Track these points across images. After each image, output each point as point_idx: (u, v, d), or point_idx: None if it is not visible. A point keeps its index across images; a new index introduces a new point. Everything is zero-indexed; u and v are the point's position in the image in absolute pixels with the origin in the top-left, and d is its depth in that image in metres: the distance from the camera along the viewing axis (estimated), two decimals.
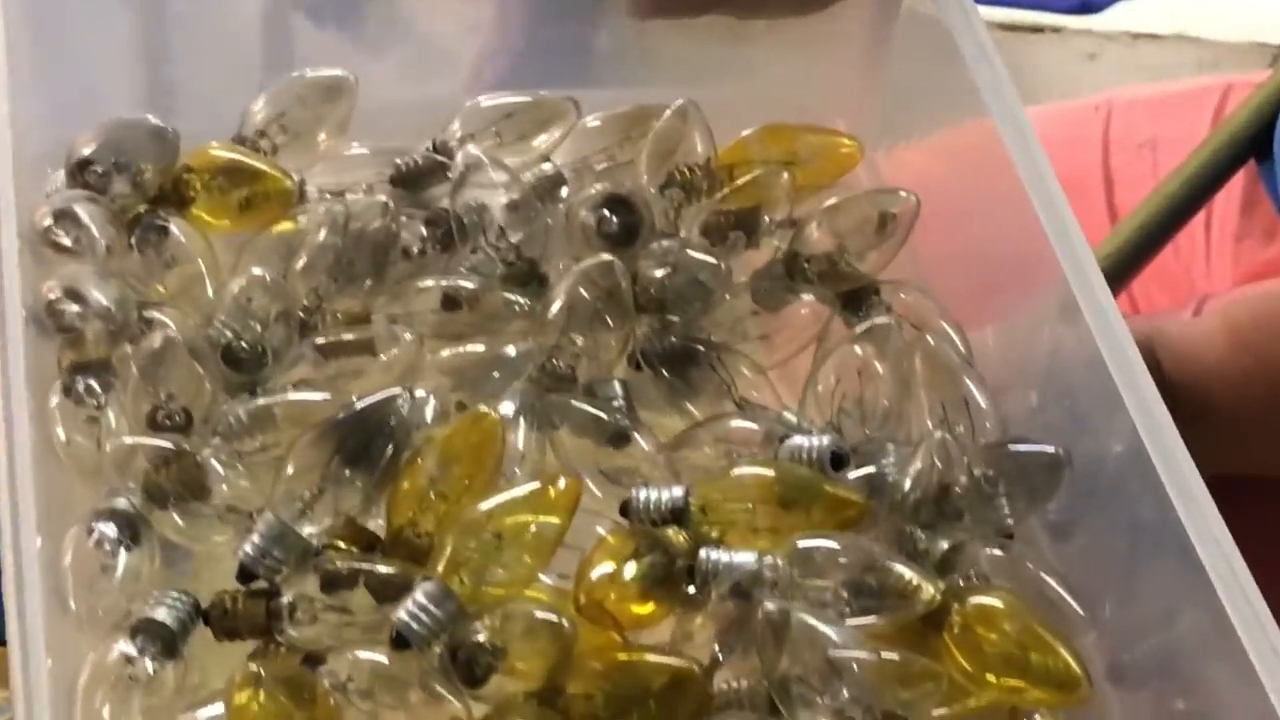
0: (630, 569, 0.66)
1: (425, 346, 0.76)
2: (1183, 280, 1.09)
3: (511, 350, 0.76)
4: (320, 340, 0.76)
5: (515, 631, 0.65)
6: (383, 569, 0.67)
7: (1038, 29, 2.05)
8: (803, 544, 0.67)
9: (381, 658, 0.65)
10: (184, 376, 0.73)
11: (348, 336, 0.76)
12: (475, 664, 0.65)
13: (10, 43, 0.78)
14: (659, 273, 0.78)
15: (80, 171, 0.79)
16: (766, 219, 0.83)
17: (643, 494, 0.70)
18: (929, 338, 0.77)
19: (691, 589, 0.68)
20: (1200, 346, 0.87)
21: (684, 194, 0.83)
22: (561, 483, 0.68)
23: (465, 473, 0.69)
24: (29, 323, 0.72)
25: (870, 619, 0.66)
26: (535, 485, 0.68)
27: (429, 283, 0.78)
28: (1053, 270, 0.75)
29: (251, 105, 0.83)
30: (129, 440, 0.70)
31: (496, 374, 0.76)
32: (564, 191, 0.83)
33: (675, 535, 0.68)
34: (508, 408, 0.73)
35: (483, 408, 0.70)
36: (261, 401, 0.73)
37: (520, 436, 0.73)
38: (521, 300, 0.78)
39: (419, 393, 0.72)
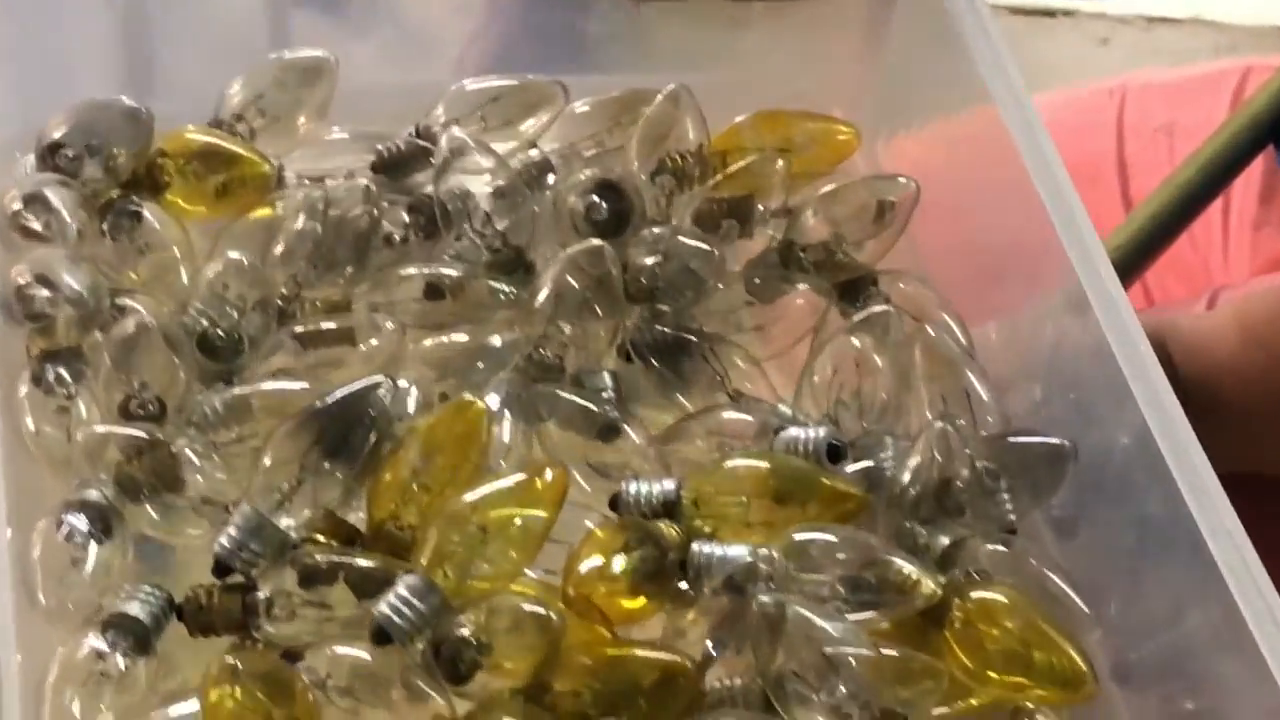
0: (620, 562, 0.66)
1: (408, 336, 0.76)
2: (1199, 270, 1.09)
3: (497, 340, 0.76)
4: (299, 329, 0.75)
5: (501, 626, 0.64)
6: (363, 563, 0.66)
7: (1049, 13, 2.05)
8: (799, 537, 0.67)
9: (362, 653, 0.65)
10: (157, 365, 0.72)
11: (327, 325, 0.76)
12: (459, 660, 0.64)
13: None
14: (650, 260, 0.78)
15: (51, 155, 0.79)
16: (761, 207, 0.82)
17: (633, 487, 0.70)
18: (929, 328, 0.77)
19: (683, 584, 0.67)
20: (1212, 341, 0.87)
21: (675, 181, 0.83)
22: (548, 474, 0.67)
23: (449, 464, 0.68)
24: None
25: (868, 614, 0.66)
26: (521, 477, 0.68)
27: (411, 271, 0.78)
28: (1059, 260, 0.74)
29: (228, 88, 0.83)
30: (101, 429, 0.70)
31: (481, 364, 0.75)
32: (551, 178, 0.83)
33: (667, 528, 0.68)
34: (493, 399, 0.73)
35: (467, 396, 0.70)
36: (238, 391, 0.73)
37: (506, 429, 0.73)
38: (507, 289, 0.78)
39: (401, 383, 0.72)
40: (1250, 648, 0.64)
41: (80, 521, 0.68)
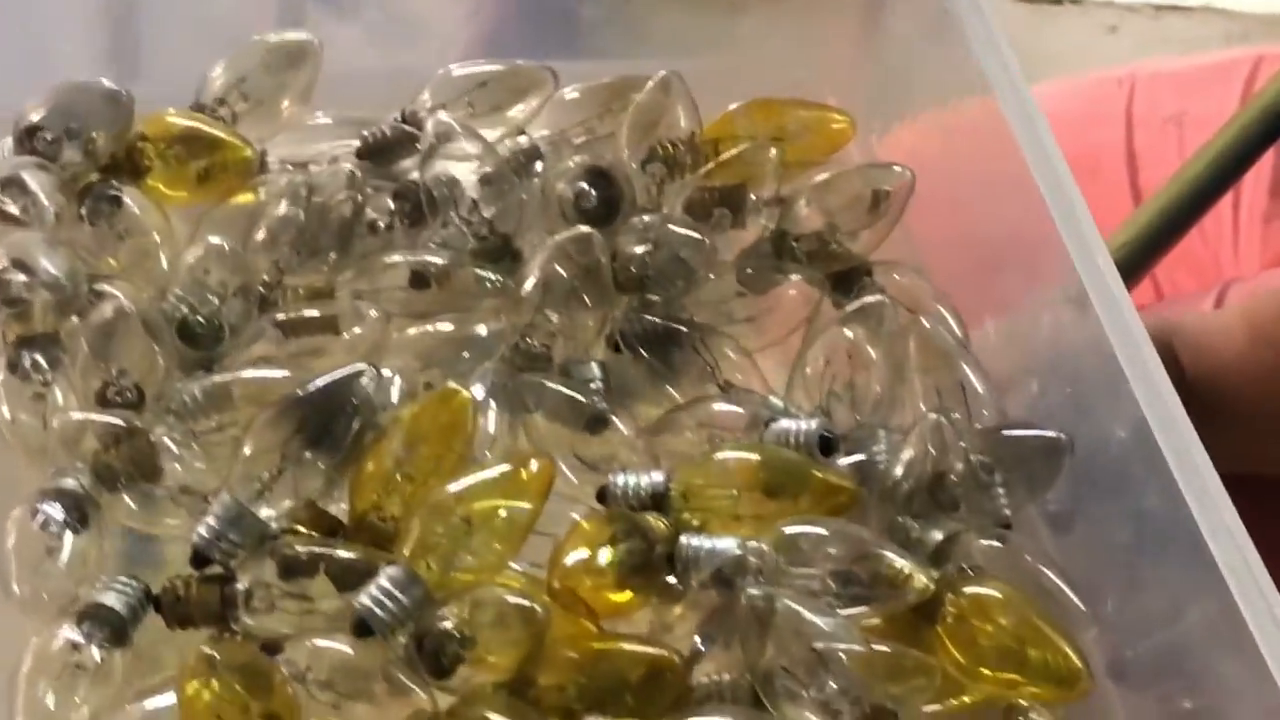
0: (607, 555, 0.66)
1: (392, 325, 0.76)
2: (1210, 265, 1.09)
3: (483, 329, 0.76)
4: (280, 316, 0.75)
5: (485, 619, 0.64)
6: (344, 554, 0.66)
7: (1056, 0, 2.04)
8: (789, 530, 0.67)
9: (343, 646, 0.65)
10: (136, 351, 0.72)
11: (310, 313, 0.76)
12: (442, 654, 0.64)
13: None
14: (639, 249, 0.78)
15: (29, 138, 0.79)
16: (753, 197, 0.82)
17: (621, 479, 0.70)
18: (924, 320, 0.77)
19: (671, 578, 0.67)
20: (1219, 341, 0.86)
21: (666, 170, 0.83)
22: (534, 465, 0.67)
23: (433, 453, 0.68)
24: None
25: (860, 609, 0.66)
26: (506, 468, 0.68)
27: (396, 258, 0.78)
28: (1058, 252, 0.74)
29: (210, 71, 0.83)
30: (78, 416, 0.70)
31: (466, 354, 0.75)
32: (539, 165, 0.83)
33: (655, 521, 0.68)
34: (478, 389, 0.73)
35: (452, 384, 0.70)
36: (218, 378, 0.73)
37: (491, 419, 0.73)
38: (494, 277, 0.78)
39: (385, 372, 0.72)
40: (1249, 646, 0.63)
41: (56, 510, 0.68)
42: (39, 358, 0.73)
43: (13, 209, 0.76)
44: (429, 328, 0.76)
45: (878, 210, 0.81)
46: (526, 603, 0.64)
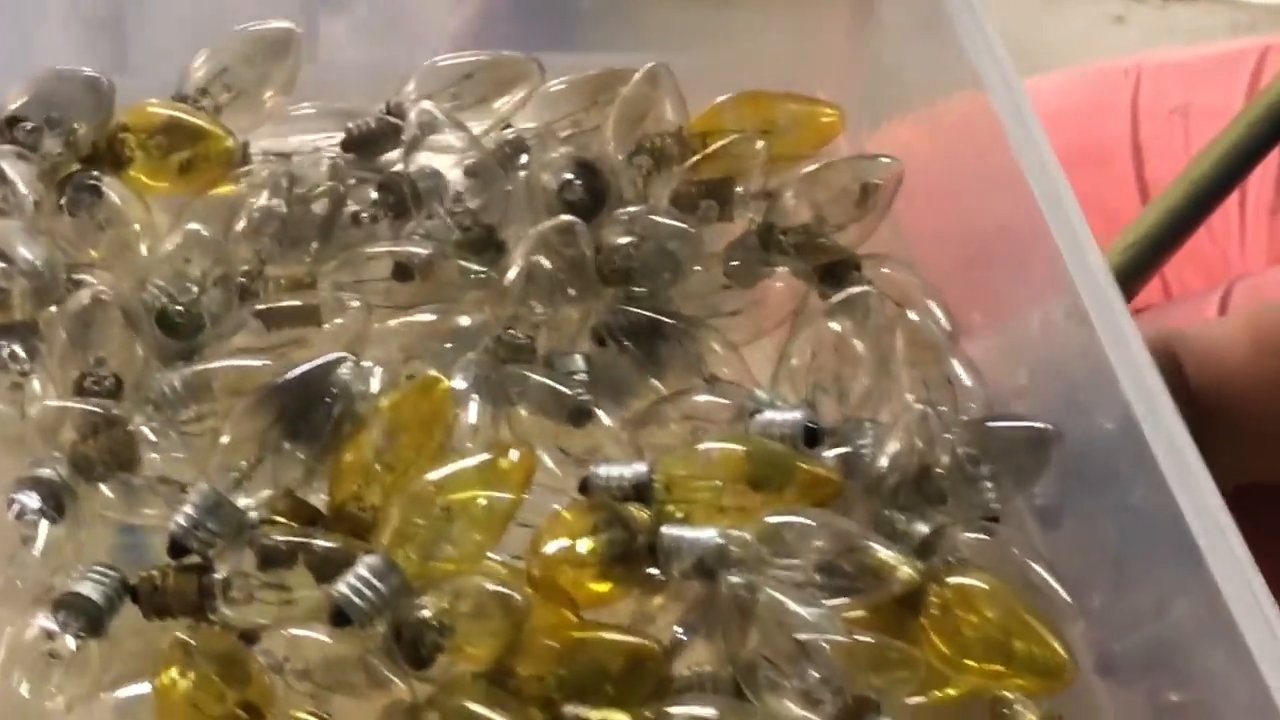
0: (588, 544, 0.66)
1: (374, 316, 0.76)
2: (1217, 261, 1.09)
3: (465, 320, 0.76)
4: (261, 307, 0.75)
5: (464, 609, 0.64)
6: (323, 544, 0.66)
7: None
8: (773, 520, 0.67)
9: (321, 636, 0.65)
10: (115, 340, 0.72)
11: (291, 303, 0.76)
12: (421, 644, 0.64)
13: None
14: (624, 240, 0.78)
15: (9, 128, 0.79)
16: (740, 189, 0.83)
17: (603, 470, 0.70)
18: (912, 313, 0.78)
19: (654, 570, 0.67)
20: (1223, 350, 0.86)
21: (653, 163, 0.83)
22: (514, 454, 0.68)
23: (413, 443, 0.69)
24: None
25: (844, 600, 0.66)
26: (486, 457, 0.68)
27: (379, 249, 0.78)
28: (1047, 247, 0.75)
29: (193, 61, 0.83)
30: (56, 403, 0.70)
31: (449, 345, 0.76)
32: (525, 158, 0.83)
33: (638, 512, 0.68)
34: (461, 381, 0.73)
35: (432, 373, 0.70)
36: (198, 368, 0.73)
37: (473, 411, 0.73)
38: (478, 268, 0.78)
39: (365, 363, 0.72)
40: (1237, 640, 0.63)
41: (31, 500, 0.68)
42: (17, 348, 0.73)
43: None
44: (412, 318, 0.76)
45: (866, 203, 0.81)
46: (506, 591, 0.64)
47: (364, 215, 0.81)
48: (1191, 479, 0.67)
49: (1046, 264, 0.75)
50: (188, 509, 0.67)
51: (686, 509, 0.69)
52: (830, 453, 0.72)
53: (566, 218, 0.77)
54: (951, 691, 0.67)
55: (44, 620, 0.66)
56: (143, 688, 0.64)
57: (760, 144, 0.83)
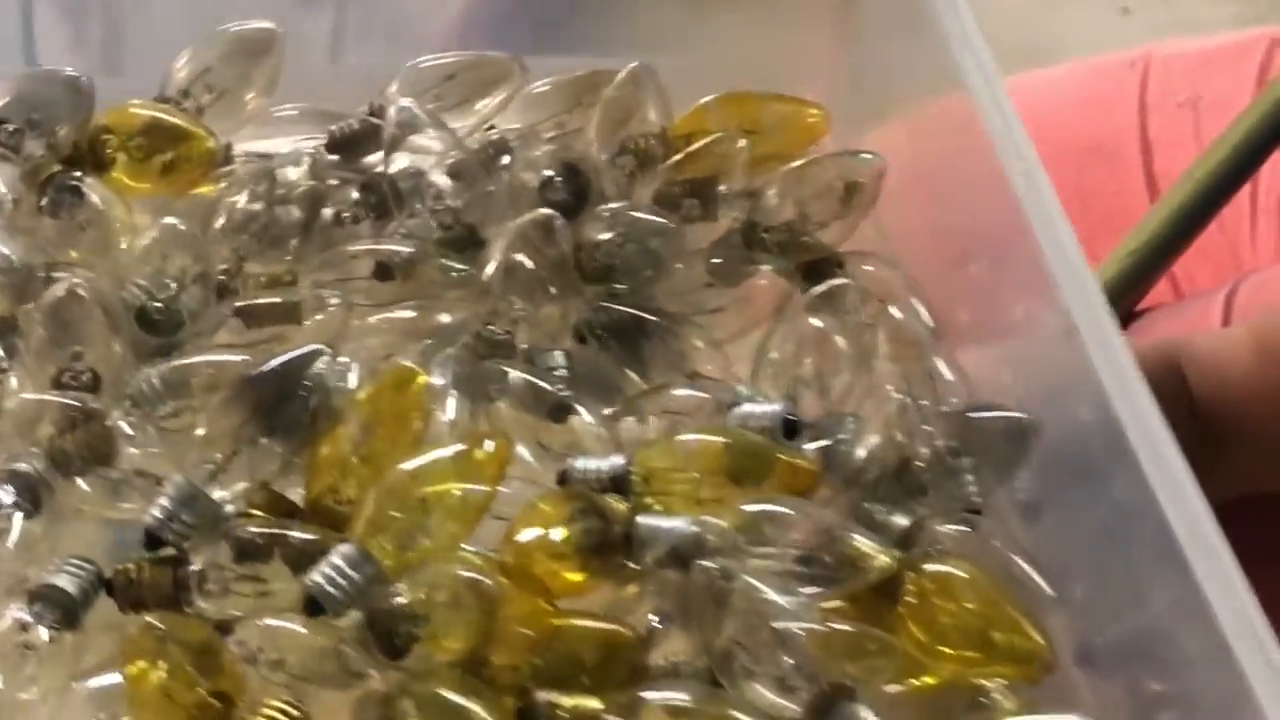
0: (562, 533, 0.66)
1: (354, 314, 0.76)
2: (1227, 254, 1.09)
3: (445, 317, 0.76)
4: (241, 304, 0.76)
5: (438, 597, 0.65)
6: (299, 536, 0.67)
7: None
8: (749, 508, 0.67)
9: (295, 626, 0.65)
10: (92, 335, 0.73)
11: (270, 301, 0.76)
12: (395, 633, 0.65)
13: None
14: (606, 236, 0.79)
15: None
16: (723, 189, 0.83)
17: (581, 462, 0.70)
18: (894, 310, 0.78)
19: (630, 561, 0.68)
20: (1227, 360, 0.87)
21: (637, 164, 0.84)
22: (489, 445, 0.68)
23: (389, 435, 0.69)
24: None
25: (821, 589, 0.66)
26: (461, 447, 0.68)
27: (360, 248, 0.79)
28: (1029, 244, 0.75)
29: (175, 62, 0.84)
30: (33, 397, 0.71)
31: (429, 342, 0.76)
32: (507, 159, 0.84)
33: (615, 502, 0.68)
34: (440, 377, 0.73)
35: (408, 364, 0.70)
36: (176, 364, 0.73)
37: (452, 407, 0.73)
38: (459, 266, 0.78)
39: (343, 359, 0.72)
40: (1214, 630, 0.64)
41: (6, 493, 0.69)
42: None
43: None
44: (391, 314, 0.77)
45: (849, 201, 0.82)
46: (478, 577, 0.65)
47: (346, 216, 0.81)
48: (1170, 472, 0.67)
49: (1028, 261, 0.75)
50: (163, 501, 0.67)
51: (665, 501, 0.69)
52: (810, 446, 0.72)
53: (544, 211, 0.78)
54: (930, 680, 0.67)
55: (18, 612, 0.66)
56: (115, 677, 0.65)
57: (742, 143, 0.84)
